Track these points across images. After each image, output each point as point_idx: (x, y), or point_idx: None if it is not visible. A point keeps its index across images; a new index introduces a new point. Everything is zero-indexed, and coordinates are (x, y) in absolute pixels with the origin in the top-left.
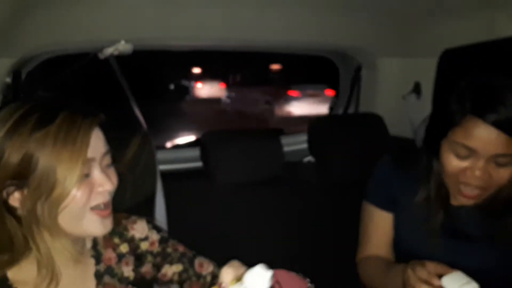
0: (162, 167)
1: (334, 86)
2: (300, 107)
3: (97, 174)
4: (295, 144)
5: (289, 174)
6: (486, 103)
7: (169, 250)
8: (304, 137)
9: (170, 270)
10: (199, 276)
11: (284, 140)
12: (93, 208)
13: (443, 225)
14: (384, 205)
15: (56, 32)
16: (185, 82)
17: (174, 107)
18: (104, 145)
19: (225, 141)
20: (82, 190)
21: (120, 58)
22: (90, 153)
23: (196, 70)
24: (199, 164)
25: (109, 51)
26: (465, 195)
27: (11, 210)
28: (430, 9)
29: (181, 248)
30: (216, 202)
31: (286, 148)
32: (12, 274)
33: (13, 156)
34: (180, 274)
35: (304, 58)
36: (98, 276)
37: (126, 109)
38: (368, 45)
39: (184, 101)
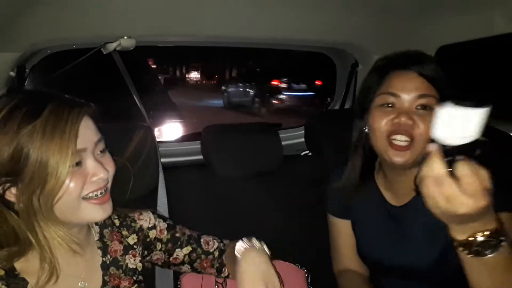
0: (164, 160)
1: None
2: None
3: (90, 163)
4: (293, 138)
5: (287, 167)
6: (405, 56)
7: (177, 235)
8: (301, 131)
9: (181, 253)
10: (207, 253)
11: (282, 134)
12: (88, 198)
13: (390, 230)
14: (342, 214)
15: (60, 28)
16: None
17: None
18: (95, 134)
19: (225, 135)
20: (75, 180)
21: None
22: (80, 143)
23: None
24: (200, 157)
25: (112, 46)
26: (396, 148)
27: (9, 205)
28: (426, 6)
29: (187, 231)
30: (217, 194)
31: (284, 142)
32: (19, 265)
33: (4, 152)
34: (189, 255)
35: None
36: (104, 267)
37: (129, 102)
38: (365, 42)
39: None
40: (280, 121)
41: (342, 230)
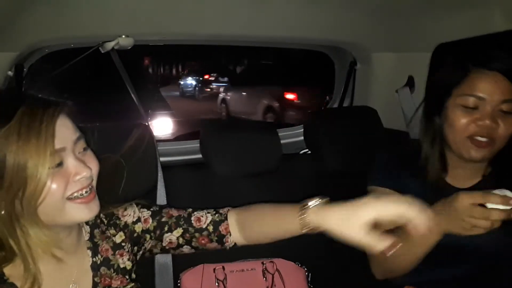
0: (163, 159)
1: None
2: None
3: (71, 162)
4: (292, 136)
5: (286, 166)
6: (488, 54)
7: (164, 219)
8: (300, 130)
9: (173, 237)
10: (200, 230)
11: (281, 132)
12: (72, 198)
13: None
14: (390, 185)
15: (58, 27)
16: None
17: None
18: (73, 133)
19: (224, 134)
20: (57, 181)
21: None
22: (58, 143)
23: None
24: (199, 156)
25: (110, 45)
26: (476, 144)
27: None
28: (424, 4)
29: (174, 213)
30: (216, 193)
31: (282, 141)
32: (7, 270)
33: None
34: (183, 236)
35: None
36: (95, 268)
37: (127, 101)
38: (363, 40)
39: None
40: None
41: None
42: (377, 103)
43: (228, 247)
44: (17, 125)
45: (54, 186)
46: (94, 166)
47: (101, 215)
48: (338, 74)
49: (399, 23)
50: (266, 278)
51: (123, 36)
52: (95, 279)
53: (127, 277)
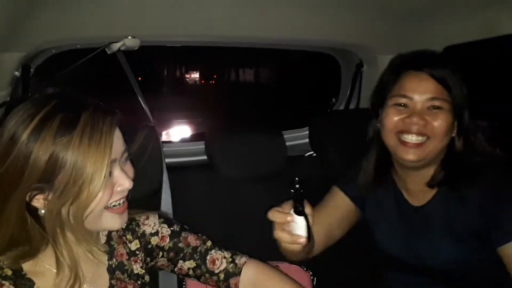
0: (168, 160)
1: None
2: None
3: (117, 173)
4: (297, 139)
5: (291, 168)
6: (416, 57)
7: (181, 245)
8: (305, 132)
9: (185, 266)
10: (212, 273)
11: (287, 135)
12: (110, 207)
13: (407, 227)
14: (354, 199)
15: (64, 28)
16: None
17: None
18: (122, 144)
19: (229, 136)
20: (105, 191)
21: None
22: (113, 154)
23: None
24: (204, 158)
25: (117, 46)
26: (406, 145)
27: (32, 210)
28: (430, 7)
29: (192, 242)
30: (221, 195)
31: (288, 143)
32: (26, 266)
33: (40, 160)
34: (194, 270)
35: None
36: (110, 271)
37: (133, 102)
38: (369, 42)
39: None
40: None
41: (339, 204)
42: None
43: None
44: (80, 133)
45: (102, 194)
46: (132, 177)
47: None
48: (345, 76)
49: (405, 26)
50: None
51: (130, 37)
52: (112, 282)
53: (139, 282)
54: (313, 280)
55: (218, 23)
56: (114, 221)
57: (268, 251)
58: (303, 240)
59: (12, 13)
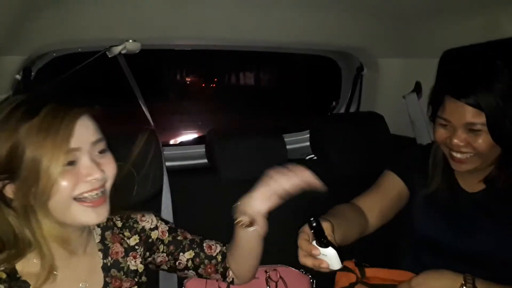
0: (168, 164)
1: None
2: None
3: (84, 163)
4: (298, 142)
5: None
6: (457, 87)
7: (179, 238)
8: (306, 135)
9: (184, 258)
10: (210, 257)
11: (287, 138)
12: (79, 199)
13: (453, 211)
14: (405, 179)
15: (65, 31)
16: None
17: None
18: (93, 134)
19: (229, 139)
20: (67, 180)
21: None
22: (75, 143)
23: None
24: (204, 161)
25: (117, 49)
26: (455, 160)
27: (7, 202)
28: (431, 10)
29: (189, 236)
30: (221, 198)
31: (288, 146)
32: (20, 267)
33: (2, 149)
34: (193, 260)
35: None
36: (105, 269)
37: (134, 106)
38: (370, 46)
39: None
40: None
41: (392, 186)
42: (384, 109)
43: (228, 281)
44: (39, 121)
45: (64, 183)
46: (109, 170)
47: (114, 218)
48: (345, 80)
49: (406, 29)
50: (269, 286)
51: (130, 41)
52: (107, 279)
53: (136, 279)
54: (312, 282)
55: (219, 26)
56: (87, 215)
57: (268, 254)
58: (326, 266)
59: (13, 16)
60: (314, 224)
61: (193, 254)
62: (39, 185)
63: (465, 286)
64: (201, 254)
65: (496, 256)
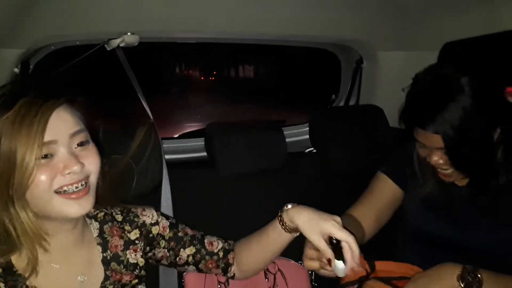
0: (168, 157)
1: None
2: None
3: (61, 155)
4: (297, 135)
5: (291, 164)
6: (417, 117)
7: (180, 234)
8: (306, 129)
9: (185, 254)
10: (211, 253)
11: (287, 131)
12: (61, 192)
13: (446, 205)
14: (397, 181)
15: (63, 24)
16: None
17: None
18: (71, 126)
19: (229, 132)
20: (44, 173)
21: (127, 48)
22: (50, 135)
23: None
24: (204, 154)
25: (116, 42)
26: (442, 175)
27: None
28: (431, 3)
29: (189, 231)
30: (221, 191)
31: (288, 139)
32: (16, 261)
33: None
34: (193, 255)
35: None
36: (105, 262)
37: (133, 99)
38: (370, 38)
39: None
40: None
41: (385, 190)
42: (384, 102)
43: (229, 276)
44: (14, 115)
45: (41, 177)
46: (91, 162)
47: (114, 211)
48: (344, 73)
49: (406, 21)
50: (268, 278)
51: (129, 34)
52: (107, 273)
53: (136, 272)
54: (311, 275)
55: (218, 19)
56: (69, 207)
57: None
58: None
59: (11, 9)
60: (335, 241)
61: (194, 250)
62: (15, 178)
63: (463, 278)
64: (202, 250)
65: (492, 249)
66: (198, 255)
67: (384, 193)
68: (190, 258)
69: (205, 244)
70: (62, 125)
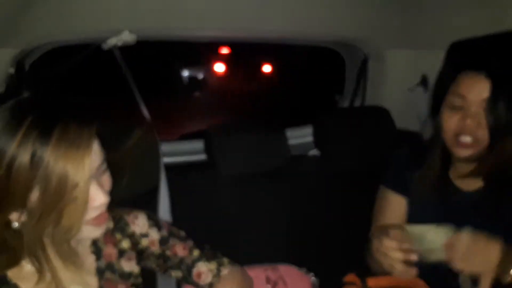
0: (166, 159)
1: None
2: None
3: (93, 190)
4: (300, 137)
5: (293, 167)
6: (476, 57)
7: (168, 253)
8: (309, 130)
9: (173, 274)
10: (197, 284)
11: (289, 132)
12: (88, 221)
13: (451, 210)
14: (399, 190)
15: (59, 23)
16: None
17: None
18: (99, 156)
19: (229, 134)
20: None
21: (125, 48)
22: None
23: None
24: (203, 156)
25: (112, 41)
26: (461, 144)
27: (8, 223)
28: (438, 1)
29: (180, 252)
30: (220, 194)
31: (291, 141)
32: (10, 271)
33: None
34: (182, 279)
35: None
36: (100, 272)
37: (130, 100)
38: (375, 37)
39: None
40: None
41: (394, 205)
42: (390, 103)
43: None
44: (56, 147)
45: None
46: (108, 185)
47: None
48: (349, 72)
49: (413, 19)
50: (269, 285)
51: (126, 32)
52: (102, 282)
53: (131, 280)
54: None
55: (218, 16)
56: (92, 232)
57: (270, 249)
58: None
59: (5, 9)
60: None
61: (181, 275)
62: (62, 221)
63: None
64: (189, 278)
65: None
66: (185, 280)
67: (394, 212)
68: (180, 279)
69: (193, 274)
70: (95, 158)
